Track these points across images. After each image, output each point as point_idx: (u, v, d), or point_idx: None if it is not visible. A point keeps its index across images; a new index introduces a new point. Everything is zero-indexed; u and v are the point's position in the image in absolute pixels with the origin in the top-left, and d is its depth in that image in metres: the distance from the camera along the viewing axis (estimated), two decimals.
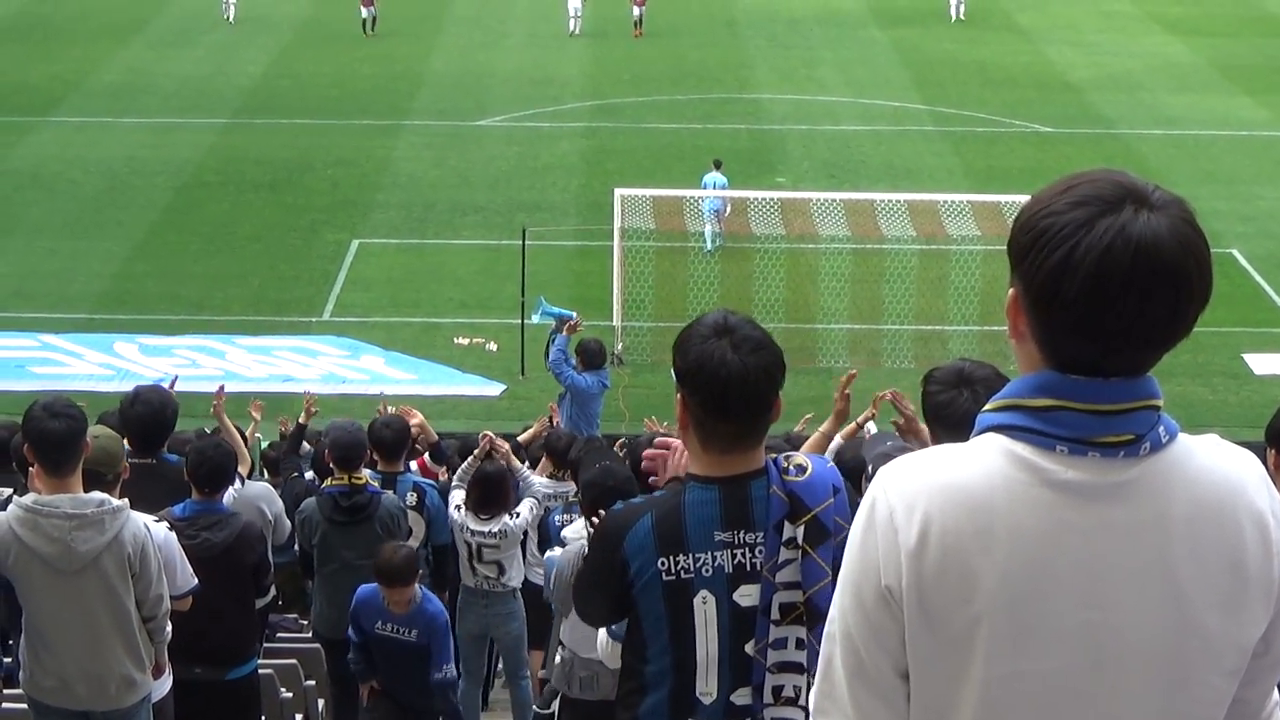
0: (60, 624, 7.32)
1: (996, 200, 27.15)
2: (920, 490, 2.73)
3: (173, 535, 7.77)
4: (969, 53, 46.92)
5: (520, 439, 14.62)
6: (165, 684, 7.94)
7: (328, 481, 10.71)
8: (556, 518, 11.51)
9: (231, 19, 49.37)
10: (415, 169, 35.64)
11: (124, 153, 36.39)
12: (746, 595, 4.28)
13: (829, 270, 28.39)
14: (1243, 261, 29.81)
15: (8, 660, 8.03)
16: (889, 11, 52.06)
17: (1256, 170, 36.26)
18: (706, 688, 4.33)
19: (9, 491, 8.66)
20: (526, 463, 12.86)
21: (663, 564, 4.29)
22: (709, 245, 29.44)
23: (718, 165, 30.80)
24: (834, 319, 26.97)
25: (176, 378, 12.52)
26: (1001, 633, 2.69)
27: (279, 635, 11.50)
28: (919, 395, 6.05)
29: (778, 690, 4.27)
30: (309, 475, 12.95)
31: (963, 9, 51.55)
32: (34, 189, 33.97)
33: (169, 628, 7.65)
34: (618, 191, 27.52)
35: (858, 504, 2.86)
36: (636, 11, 49.33)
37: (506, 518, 11.18)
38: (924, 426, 8.77)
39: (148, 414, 8.98)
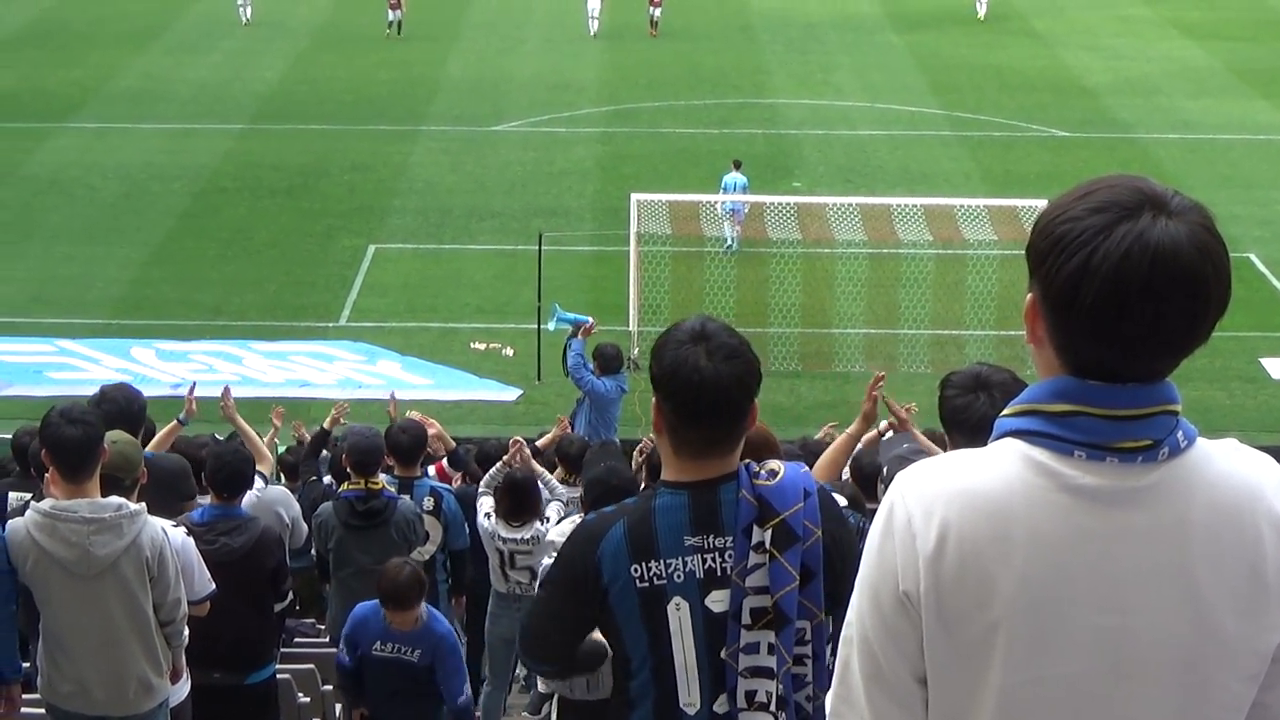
0: (78, 629, 7.33)
1: (1013, 205, 27.10)
2: (938, 495, 2.73)
3: (190, 540, 7.79)
4: (985, 57, 46.88)
5: (539, 444, 14.62)
6: (183, 689, 7.95)
7: (344, 486, 10.72)
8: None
9: (246, 19, 49.51)
10: (432, 174, 35.68)
11: (142, 158, 36.47)
12: (718, 601, 4.26)
13: (845, 275, 28.36)
14: (1260, 266, 29.73)
15: (26, 665, 8.03)
16: (905, 16, 52.05)
17: (1274, 174, 36.17)
18: (689, 698, 4.31)
19: (28, 497, 8.67)
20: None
21: (635, 571, 4.27)
22: (733, 245, 29.45)
23: (737, 166, 30.82)
24: (850, 324, 26.95)
25: (195, 384, 12.47)
26: (1020, 638, 2.69)
27: (296, 640, 11.50)
28: (936, 400, 6.05)
29: (750, 695, 4.25)
30: (326, 480, 12.97)
31: (984, 7, 51.68)
32: (52, 194, 34.06)
33: (186, 632, 7.66)
34: (634, 196, 27.51)
35: (867, 509, 2.86)
36: (653, 12, 49.47)
37: (538, 523, 11.21)
38: (915, 426, 8.75)
39: (115, 412, 8.77)
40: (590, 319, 18.20)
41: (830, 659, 3.64)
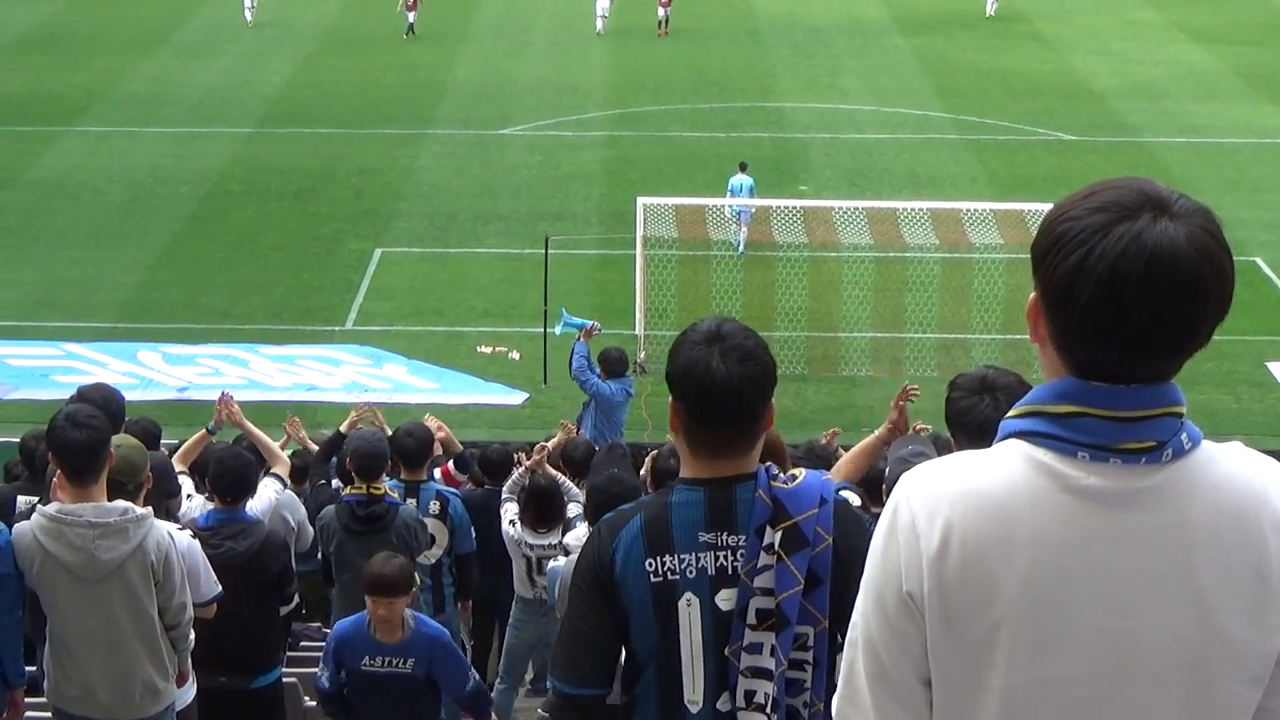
0: (84, 633, 7.33)
1: (1019, 208, 27.08)
2: (942, 496, 2.73)
3: (196, 543, 7.79)
4: (992, 61, 46.88)
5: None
6: (189, 692, 7.96)
7: (347, 490, 10.68)
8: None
9: (250, 19, 49.58)
10: (438, 178, 35.68)
11: (148, 162, 36.50)
12: (726, 599, 4.27)
13: (852, 278, 28.34)
14: (1266, 270, 29.69)
15: (31, 669, 8.03)
16: (912, 20, 52.06)
17: None
18: (693, 695, 4.32)
19: (34, 501, 8.68)
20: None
21: (650, 565, 4.28)
22: (741, 247, 29.45)
23: (743, 168, 30.85)
24: (857, 327, 26.92)
25: (225, 392, 12.10)
26: (1023, 639, 2.69)
27: (302, 644, 11.50)
28: (943, 403, 6.04)
29: (749, 695, 4.26)
30: (335, 484, 12.95)
31: (994, 5, 51.79)
32: (59, 198, 34.09)
33: (192, 636, 7.66)
34: (640, 200, 27.49)
35: (872, 513, 2.86)
36: (661, 12, 49.54)
37: (562, 527, 11.23)
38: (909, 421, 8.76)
39: None
40: (594, 322, 18.21)
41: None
